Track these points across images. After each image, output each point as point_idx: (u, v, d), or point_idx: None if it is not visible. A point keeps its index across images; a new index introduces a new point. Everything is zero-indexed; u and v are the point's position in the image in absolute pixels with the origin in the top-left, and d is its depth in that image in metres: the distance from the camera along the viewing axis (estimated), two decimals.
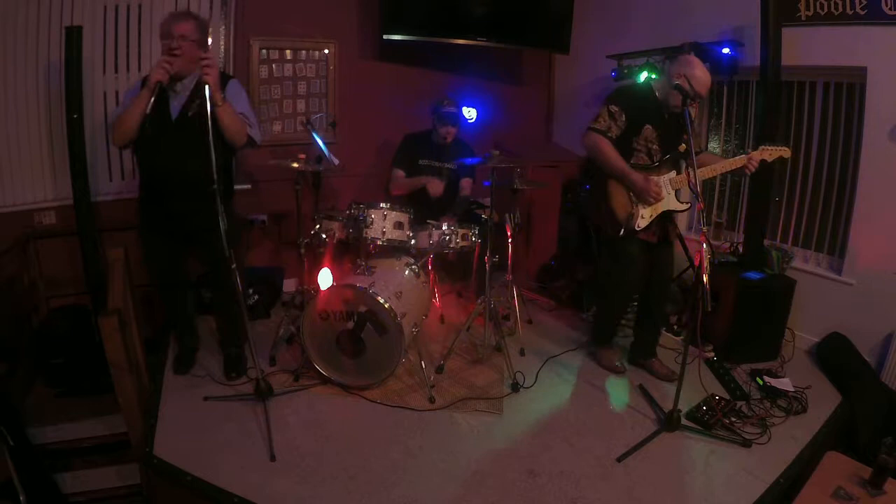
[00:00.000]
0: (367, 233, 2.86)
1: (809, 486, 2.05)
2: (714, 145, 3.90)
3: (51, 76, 3.13)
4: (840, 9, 2.92)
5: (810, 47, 3.10)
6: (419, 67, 4.21)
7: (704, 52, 3.41)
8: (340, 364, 2.76)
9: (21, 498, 2.24)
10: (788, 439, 2.48)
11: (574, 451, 2.40)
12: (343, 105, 4.02)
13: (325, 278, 2.95)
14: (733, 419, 2.56)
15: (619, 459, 2.33)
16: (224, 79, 2.48)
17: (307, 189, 3.18)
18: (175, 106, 2.44)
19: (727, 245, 3.59)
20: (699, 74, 2.54)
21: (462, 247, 3.10)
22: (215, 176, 2.22)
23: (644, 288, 2.92)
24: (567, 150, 4.64)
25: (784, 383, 2.86)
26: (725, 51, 3.35)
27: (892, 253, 2.94)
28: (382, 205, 2.92)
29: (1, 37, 2.97)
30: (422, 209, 3.20)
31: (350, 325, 2.66)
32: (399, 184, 3.64)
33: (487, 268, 2.95)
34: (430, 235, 3.04)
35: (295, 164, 2.99)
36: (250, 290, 3.38)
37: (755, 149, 2.63)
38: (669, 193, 2.72)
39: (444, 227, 3.04)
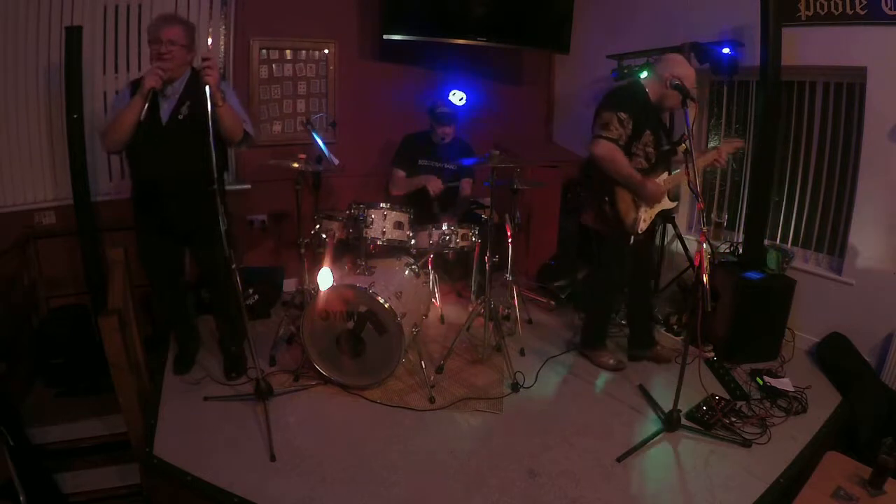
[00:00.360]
0: (367, 233, 2.86)
1: (809, 486, 2.05)
2: (714, 145, 3.89)
3: (51, 76, 3.13)
4: (840, 9, 2.92)
5: (810, 47, 3.10)
6: (419, 67, 4.21)
7: (704, 52, 3.41)
8: (340, 364, 2.76)
9: (21, 498, 2.24)
10: (788, 439, 2.48)
11: (574, 451, 2.40)
12: (343, 105, 4.02)
13: (325, 278, 2.95)
14: (733, 419, 2.56)
15: (619, 459, 2.33)
16: None
17: (307, 189, 3.18)
18: (165, 110, 2.43)
19: (728, 246, 3.59)
20: (690, 73, 2.59)
21: (462, 247, 3.10)
22: (215, 175, 2.23)
23: (630, 280, 2.97)
24: (567, 150, 4.64)
25: (784, 383, 2.86)
26: (725, 51, 3.35)
27: (892, 253, 2.94)
28: (382, 205, 2.92)
29: (1, 37, 2.97)
30: (422, 209, 3.20)
31: (350, 325, 2.66)
32: (399, 184, 3.64)
33: (487, 268, 2.95)
34: (430, 235, 3.04)
35: (295, 164, 2.99)
36: (250, 290, 3.38)
37: (717, 143, 2.66)
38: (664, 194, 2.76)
39: (444, 227, 3.04)
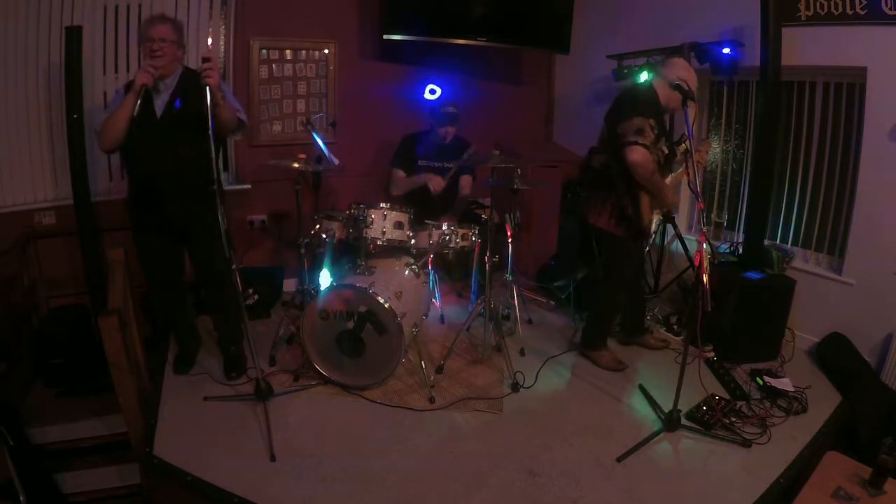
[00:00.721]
0: (367, 233, 2.86)
1: (809, 486, 2.05)
2: (714, 145, 3.90)
3: (51, 76, 3.13)
4: (840, 9, 2.92)
5: (810, 47, 3.10)
6: (419, 67, 4.21)
7: (704, 52, 3.41)
8: (340, 364, 2.76)
9: (21, 498, 2.24)
10: (788, 439, 2.47)
11: (574, 451, 2.40)
12: (343, 105, 4.02)
13: (325, 278, 2.95)
14: (733, 419, 2.56)
15: (619, 459, 2.33)
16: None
17: (307, 189, 3.18)
18: (159, 105, 2.48)
19: (728, 246, 3.60)
20: (693, 77, 2.66)
21: (462, 247, 3.10)
22: (215, 175, 2.25)
23: None
24: (567, 150, 4.64)
25: (784, 383, 2.86)
26: (725, 51, 3.35)
27: (892, 253, 2.94)
28: (382, 205, 2.92)
29: (1, 37, 2.97)
30: (422, 209, 3.20)
31: (350, 325, 2.66)
32: (399, 184, 3.64)
33: (487, 268, 2.95)
34: (430, 235, 3.04)
35: (295, 164, 2.99)
36: (250, 290, 3.37)
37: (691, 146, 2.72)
38: None
39: (444, 227, 3.04)
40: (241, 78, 3.68)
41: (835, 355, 3.08)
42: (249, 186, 3.81)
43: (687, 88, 2.49)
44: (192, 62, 3.33)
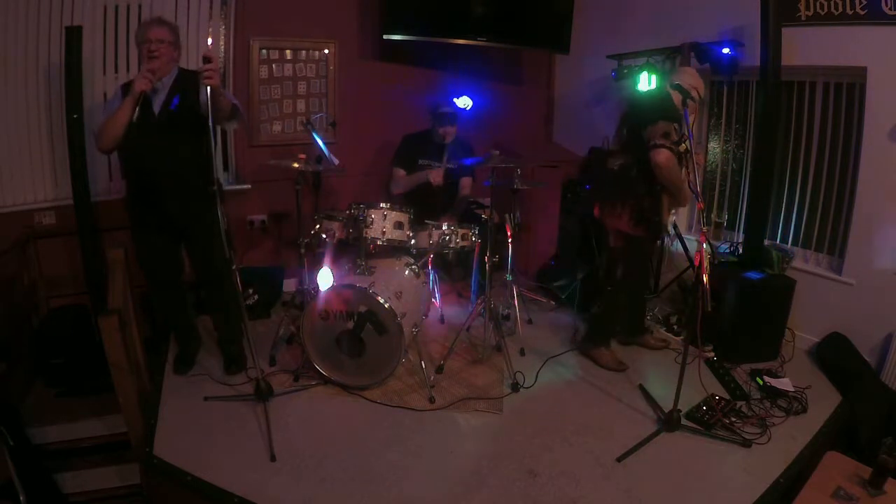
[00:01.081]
0: (367, 233, 2.86)
1: (809, 486, 2.05)
2: (714, 145, 3.90)
3: (51, 76, 3.13)
4: (840, 9, 2.92)
5: (810, 47, 3.10)
6: (419, 67, 4.21)
7: (704, 52, 3.41)
8: (340, 364, 2.76)
9: (21, 498, 2.24)
10: (788, 439, 2.48)
11: (574, 451, 2.40)
12: (343, 105, 4.02)
13: (325, 278, 2.95)
14: (733, 419, 2.56)
15: (619, 459, 2.33)
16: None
17: (307, 189, 3.18)
18: (156, 103, 2.51)
19: (728, 246, 3.60)
20: (702, 84, 2.79)
21: (462, 247, 3.10)
22: (215, 176, 2.26)
23: None
24: (567, 150, 4.64)
25: (784, 383, 2.85)
26: (725, 51, 3.35)
27: (893, 253, 2.94)
28: (382, 205, 2.92)
29: (1, 37, 2.97)
30: (422, 209, 3.20)
31: (350, 325, 2.66)
32: (400, 183, 3.64)
33: (487, 268, 2.95)
34: (430, 235, 3.04)
35: (295, 164, 2.99)
36: (250, 290, 3.38)
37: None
38: None
39: (444, 227, 3.04)
40: (241, 78, 3.68)
41: (835, 355, 3.08)
42: (249, 186, 3.81)
43: (696, 95, 2.55)
44: (192, 63, 3.35)
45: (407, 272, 3.02)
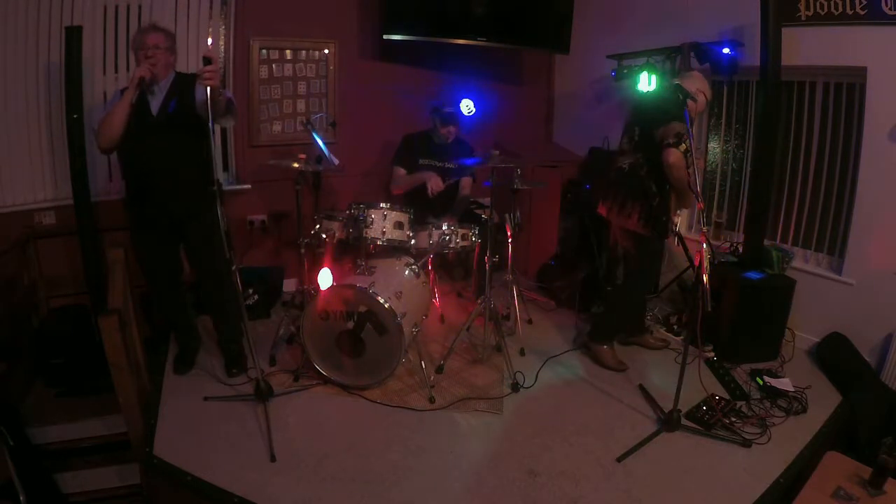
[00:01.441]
0: (367, 233, 2.86)
1: (809, 486, 2.05)
2: (714, 145, 3.90)
3: (51, 76, 3.13)
4: (840, 9, 2.92)
5: (810, 47, 3.10)
6: (419, 67, 4.21)
7: (704, 52, 3.41)
8: (340, 364, 2.76)
9: (21, 498, 2.24)
10: (788, 439, 2.48)
11: (574, 451, 2.40)
12: (343, 105, 4.01)
13: (325, 278, 2.95)
14: (733, 419, 2.56)
15: (619, 459, 2.33)
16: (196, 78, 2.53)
17: (307, 189, 3.18)
18: (154, 105, 2.54)
19: (727, 245, 3.59)
20: (708, 88, 2.86)
21: (462, 247, 3.10)
22: (215, 176, 2.25)
23: None
24: (567, 150, 4.64)
25: (784, 383, 2.86)
26: (725, 51, 3.34)
27: (892, 253, 2.94)
28: (382, 205, 2.92)
29: (1, 37, 2.97)
30: (422, 209, 3.20)
31: (350, 325, 2.66)
32: (400, 182, 3.64)
33: (487, 268, 2.95)
34: (430, 235, 3.04)
35: (295, 164, 2.99)
36: (250, 290, 3.38)
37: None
38: None
39: (444, 227, 3.04)
40: (241, 78, 3.68)
41: (835, 355, 3.08)
42: (249, 186, 3.81)
43: (685, 87, 2.53)
44: (192, 64, 3.35)
45: (407, 272, 3.02)
